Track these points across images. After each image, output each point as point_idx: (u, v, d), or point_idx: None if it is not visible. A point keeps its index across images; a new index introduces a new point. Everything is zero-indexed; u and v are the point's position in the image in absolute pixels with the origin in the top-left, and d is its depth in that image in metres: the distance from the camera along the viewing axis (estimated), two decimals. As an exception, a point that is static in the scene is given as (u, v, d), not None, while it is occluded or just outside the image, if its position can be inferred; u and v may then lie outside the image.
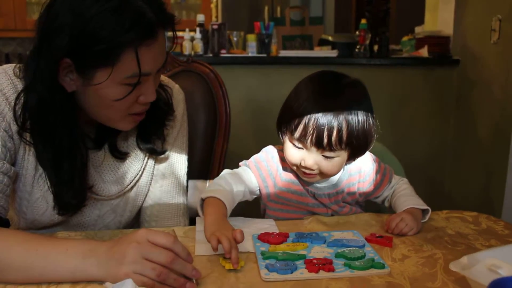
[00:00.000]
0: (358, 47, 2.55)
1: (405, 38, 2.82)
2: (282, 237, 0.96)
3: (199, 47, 2.43)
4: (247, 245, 0.94)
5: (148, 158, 1.12)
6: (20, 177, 0.98)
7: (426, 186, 2.45)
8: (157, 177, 1.15)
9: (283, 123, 1.09)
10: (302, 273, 0.82)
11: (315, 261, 0.85)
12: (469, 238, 1.01)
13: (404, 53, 2.75)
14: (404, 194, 1.16)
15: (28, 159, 0.97)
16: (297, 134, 1.04)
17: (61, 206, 0.98)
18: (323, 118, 1.02)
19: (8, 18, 4.06)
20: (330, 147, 1.03)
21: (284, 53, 2.49)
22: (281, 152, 1.17)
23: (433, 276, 0.83)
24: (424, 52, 2.54)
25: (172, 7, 4.35)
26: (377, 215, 1.15)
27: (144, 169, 1.12)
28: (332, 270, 0.83)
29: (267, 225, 1.06)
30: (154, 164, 1.14)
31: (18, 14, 4.08)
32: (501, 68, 2.13)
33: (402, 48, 2.81)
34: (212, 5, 4.43)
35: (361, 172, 1.18)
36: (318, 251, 0.91)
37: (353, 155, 1.11)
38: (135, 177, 1.11)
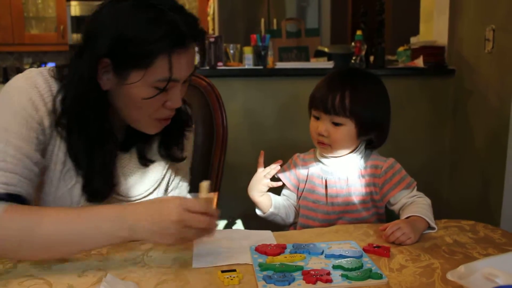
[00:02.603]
0: (354, 58, 2.57)
1: (400, 49, 2.83)
2: (279, 249, 0.96)
3: (195, 60, 2.44)
4: (245, 257, 0.94)
5: (168, 168, 1.17)
6: (48, 172, 1.01)
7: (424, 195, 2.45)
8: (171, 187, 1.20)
9: (309, 103, 1.26)
10: (299, 284, 0.82)
11: (313, 272, 0.85)
12: (467, 247, 1.01)
13: (400, 64, 2.76)
14: (416, 206, 1.17)
15: (58, 155, 1.00)
16: (313, 104, 1.23)
17: (90, 193, 1.03)
18: (330, 86, 1.21)
19: (6, 32, 4.08)
20: (334, 110, 1.18)
21: (280, 65, 2.50)
22: (302, 155, 1.35)
23: (430, 286, 0.83)
24: (419, 62, 2.55)
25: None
26: (375, 225, 1.15)
27: (163, 178, 1.17)
28: (329, 281, 0.83)
29: (265, 237, 1.06)
30: (171, 175, 1.18)
31: (16, 29, 4.11)
32: (496, 77, 2.15)
33: (398, 58, 2.83)
34: (209, 18, 4.46)
35: (378, 167, 1.25)
36: (316, 262, 0.91)
37: (361, 130, 1.21)
38: (155, 184, 1.15)
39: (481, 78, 2.28)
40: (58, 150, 1.01)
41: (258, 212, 1.31)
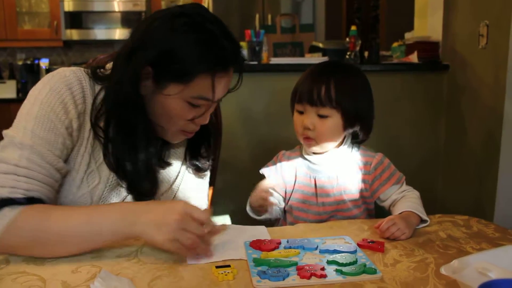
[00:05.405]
0: (348, 53, 2.56)
1: (395, 44, 2.83)
2: (274, 244, 0.97)
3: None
4: (239, 252, 0.94)
5: (182, 166, 1.19)
6: (71, 173, 1.02)
7: (419, 191, 2.45)
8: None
9: (291, 99, 1.26)
10: (294, 279, 0.82)
11: (307, 268, 0.85)
12: (460, 241, 1.01)
13: (394, 59, 2.76)
14: (407, 200, 1.17)
15: (84, 156, 1.02)
16: (297, 98, 1.22)
17: (138, 193, 1.07)
18: (314, 79, 1.20)
19: (-2, 28, 4.05)
20: (320, 101, 1.17)
21: (275, 60, 2.49)
22: (288, 152, 1.33)
23: (424, 280, 0.83)
24: (414, 57, 2.55)
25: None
26: (369, 220, 1.15)
27: (176, 177, 1.18)
28: (324, 276, 0.83)
29: (259, 232, 1.06)
30: (180, 183, 1.20)
31: (9, 24, 4.07)
32: (490, 73, 2.15)
33: (392, 54, 2.83)
34: (203, 14, 4.43)
35: (367, 163, 1.24)
36: (310, 258, 0.92)
37: (347, 122, 1.20)
38: (167, 186, 1.17)
39: (475, 73, 2.29)
40: (84, 151, 1.03)
41: (251, 214, 1.27)
